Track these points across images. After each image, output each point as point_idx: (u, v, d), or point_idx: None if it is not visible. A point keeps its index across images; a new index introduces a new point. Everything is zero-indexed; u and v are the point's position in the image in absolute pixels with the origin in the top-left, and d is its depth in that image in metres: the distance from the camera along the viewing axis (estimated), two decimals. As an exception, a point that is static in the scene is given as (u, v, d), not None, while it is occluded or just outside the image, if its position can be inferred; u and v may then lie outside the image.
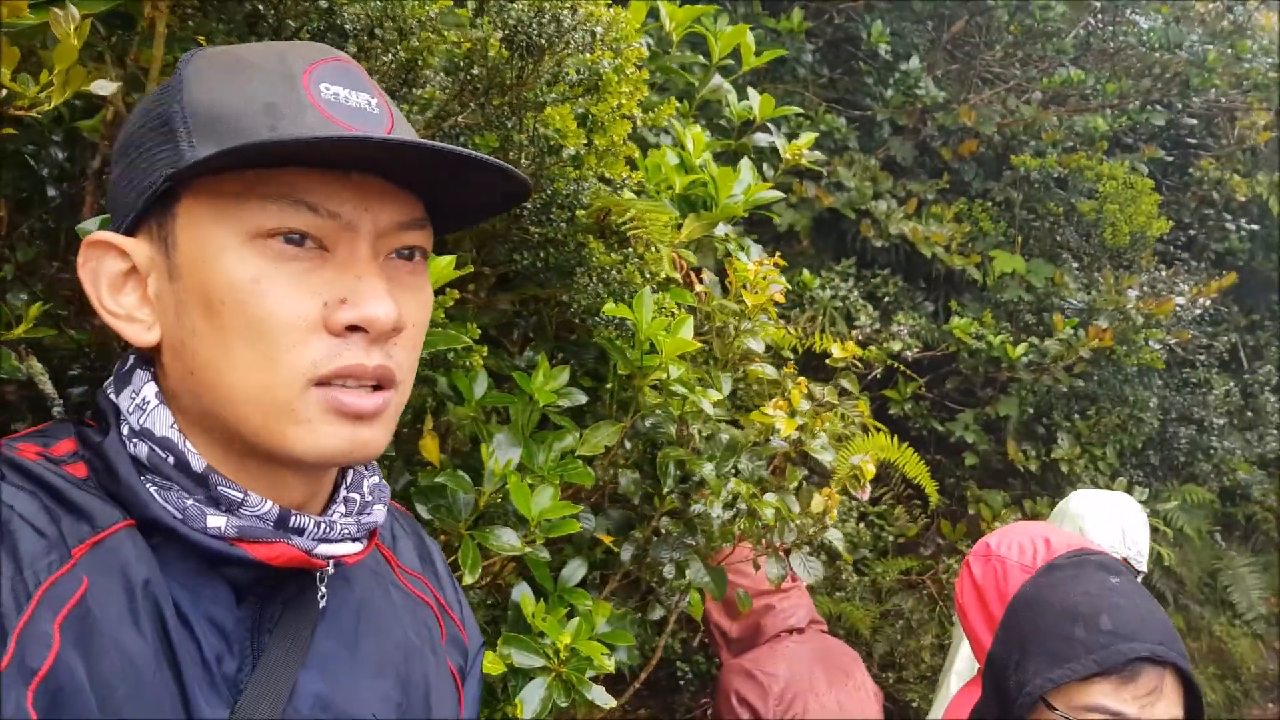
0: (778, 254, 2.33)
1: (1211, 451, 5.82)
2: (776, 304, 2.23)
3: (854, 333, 4.11)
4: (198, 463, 0.78)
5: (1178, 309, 5.16)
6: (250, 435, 0.78)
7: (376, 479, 0.91)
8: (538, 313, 2.10)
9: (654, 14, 2.62)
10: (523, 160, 1.73)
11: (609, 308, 1.88)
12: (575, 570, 1.94)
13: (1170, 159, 6.00)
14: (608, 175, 1.87)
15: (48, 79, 0.90)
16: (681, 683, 3.90)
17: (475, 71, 1.57)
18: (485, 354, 1.77)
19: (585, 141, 1.77)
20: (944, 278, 5.10)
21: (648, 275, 1.94)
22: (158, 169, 0.77)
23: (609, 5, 1.75)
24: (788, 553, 2.20)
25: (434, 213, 0.85)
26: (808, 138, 2.70)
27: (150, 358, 0.83)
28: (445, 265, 1.56)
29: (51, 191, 1.52)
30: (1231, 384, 6.15)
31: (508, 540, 1.71)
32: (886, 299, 4.82)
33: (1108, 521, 2.52)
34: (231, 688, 0.78)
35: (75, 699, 0.68)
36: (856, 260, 4.77)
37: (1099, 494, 2.68)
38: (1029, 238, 5.28)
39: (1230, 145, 6.09)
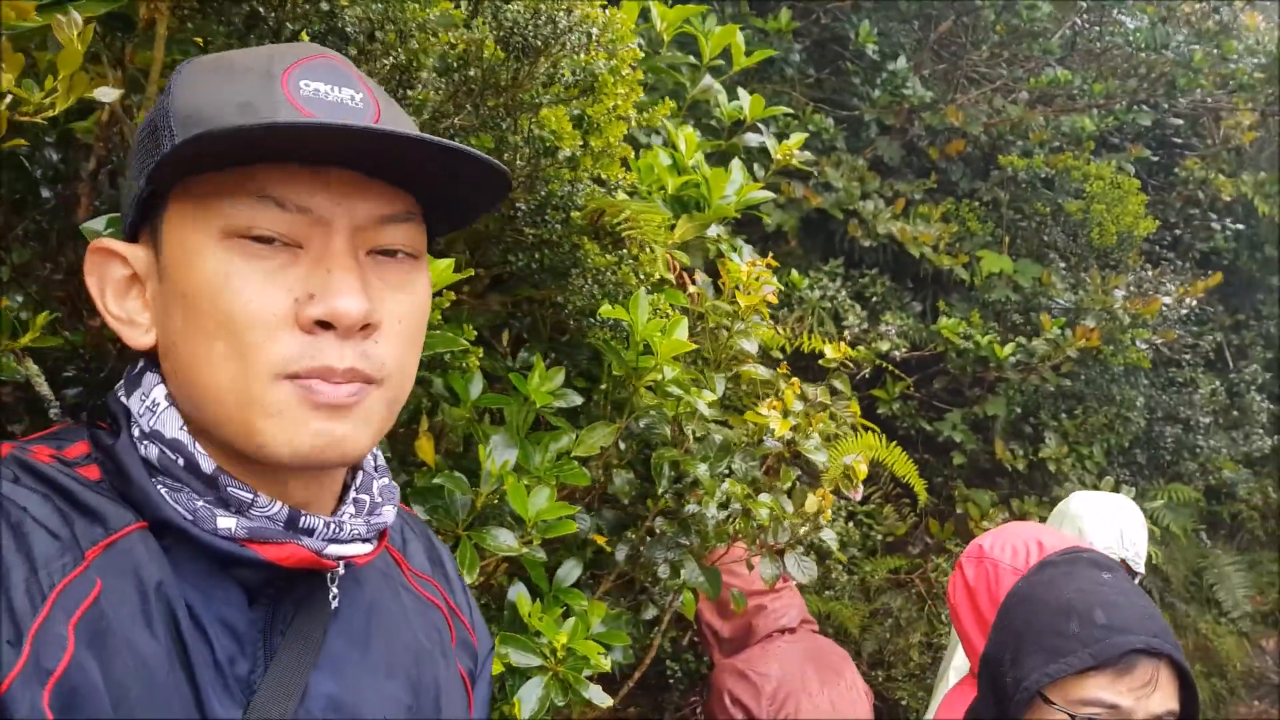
0: (770, 255, 2.33)
1: (1197, 450, 5.86)
2: (769, 305, 2.23)
3: (845, 333, 4.13)
4: (207, 464, 0.79)
5: (1164, 309, 5.20)
6: (228, 434, 0.78)
7: (386, 481, 0.92)
8: (531, 314, 2.10)
9: (644, 15, 2.63)
10: (518, 161, 1.73)
11: (605, 309, 1.88)
12: (570, 570, 1.95)
13: (1156, 159, 6.03)
14: (603, 176, 1.87)
15: (52, 84, 0.90)
16: (670, 681, 3.90)
17: (471, 73, 1.57)
18: (481, 355, 1.77)
19: (581, 143, 1.77)
20: (932, 277, 5.12)
21: (642, 276, 1.94)
22: (144, 174, 0.79)
23: (604, 6, 1.76)
24: (781, 553, 2.20)
25: (430, 211, 0.85)
26: (798, 138, 2.71)
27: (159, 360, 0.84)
28: (444, 268, 1.56)
29: (46, 193, 1.52)
30: (1217, 383, 6.20)
31: (505, 541, 1.71)
32: (874, 299, 4.83)
33: (1107, 523, 2.54)
34: (244, 689, 0.78)
35: (90, 700, 0.68)
36: (844, 260, 4.78)
37: (1099, 496, 2.71)
38: (1016, 238, 5.30)
39: (1215, 145, 6.13)
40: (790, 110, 4.43)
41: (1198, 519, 6.13)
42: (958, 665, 2.68)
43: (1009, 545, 1.60)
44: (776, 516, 2.14)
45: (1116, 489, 4.73)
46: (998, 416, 4.92)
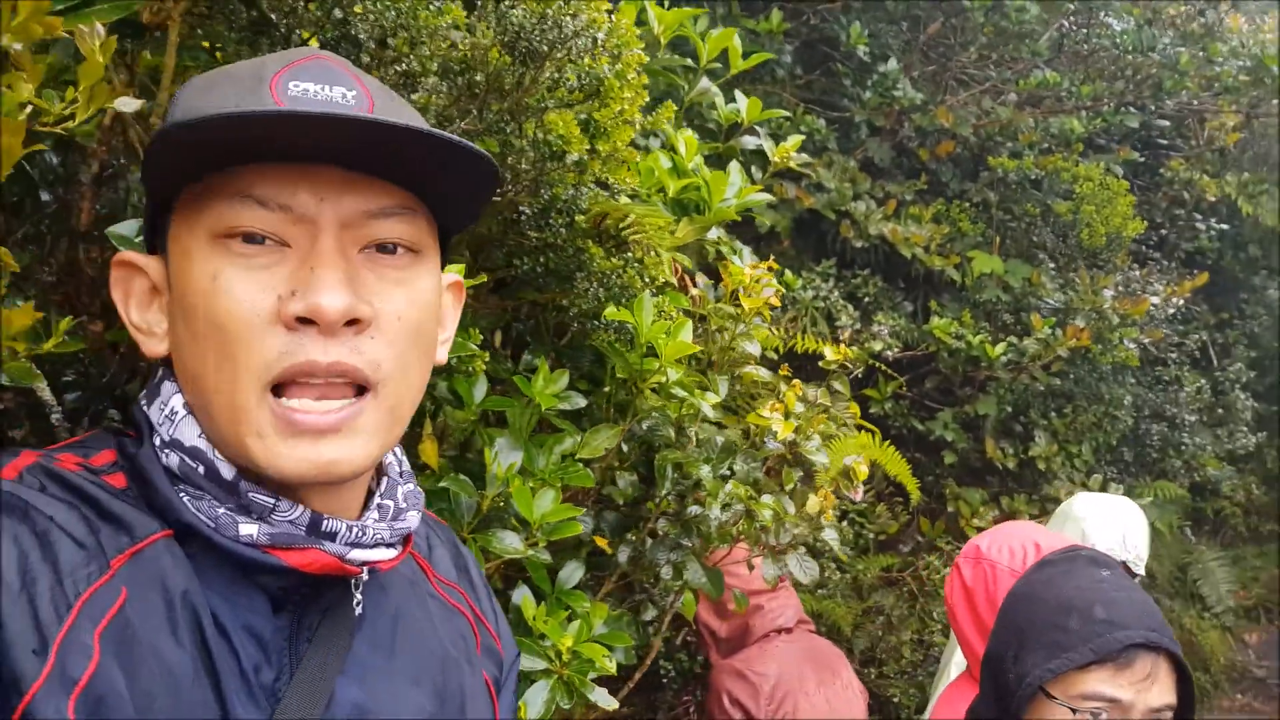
0: (771, 258, 2.34)
1: (1182, 448, 5.92)
2: (771, 307, 2.24)
3: (843, 335, 4.14)
4: (227, 471, 0.79)
5: (1152, 308, 5.24)
6: (228, 452, 0.78)
7: (411, 486, 0.91)
8: (534, 317, 2.10)
9: (641, 19, 2.63)
10: (522, 165, 1.73)
11: (610, 312, 1.88)
12: (573, 572, 1.94)
13: (1141, 160, 6.08)
14: (609, 180, 1.87)
15: (73, 95, 0.90)
16: (665, 680, 3.90)
17: (477, 77, 1.57)
18: (486, 359, 1.77)
19: (589, 147, 1.77)
20: (923, 278, 5.15)
21: (647, 279, 1.95)
22: (144, 184, 0.80)
23: (609, 11, 1.76)
24: (782, 554, 2.21)
25: (435, 211, 0.85)
26: (795, 140, 2.72)
27: None
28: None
29: (45, 196, 1.51)
30: (1202, 381, 6.25)
31: (510, 543, 1.71)
32: (866, 299, 4.86)
33: (1109, 525, 2.54)
34: (269, 696, 0.78)
35: (115, 708, 0.68)
36: (837, 261, 4.80)
37: (1102, 498, 2.71)
38: (1006, 238, 5.33)
39: (1200, 146, 6.18)
40: (786, 113, 4.44)
41: (1182, 516, 6.19)
42: (959, 660, 2.68)
43: (1006, 546, 1.61)
44: (779, 517, 2.15)
45: (1105, 487, 4.77)
46: (988, 415, 4.95)
